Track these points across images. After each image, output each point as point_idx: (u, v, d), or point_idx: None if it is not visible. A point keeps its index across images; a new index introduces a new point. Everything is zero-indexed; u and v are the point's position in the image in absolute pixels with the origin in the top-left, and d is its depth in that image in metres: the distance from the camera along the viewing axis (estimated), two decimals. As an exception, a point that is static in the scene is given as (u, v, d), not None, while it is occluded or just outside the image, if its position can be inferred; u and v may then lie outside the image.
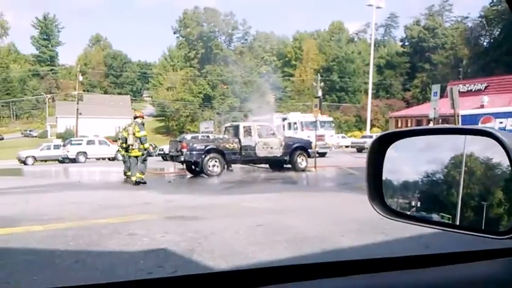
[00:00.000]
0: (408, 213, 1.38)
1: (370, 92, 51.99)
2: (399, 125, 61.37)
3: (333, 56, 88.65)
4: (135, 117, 14.61)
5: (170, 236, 6.12)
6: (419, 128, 1.65)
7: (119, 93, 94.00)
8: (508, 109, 29.11)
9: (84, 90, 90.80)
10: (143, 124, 14.37)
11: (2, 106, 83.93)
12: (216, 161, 16.33)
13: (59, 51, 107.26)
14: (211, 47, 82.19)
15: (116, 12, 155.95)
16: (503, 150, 1.11)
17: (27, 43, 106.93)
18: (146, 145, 14.17)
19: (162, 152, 29.68)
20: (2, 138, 72.83)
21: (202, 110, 72.86)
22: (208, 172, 16.05)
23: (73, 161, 34.78)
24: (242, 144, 16.90)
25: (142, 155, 13.93)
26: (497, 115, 30.93)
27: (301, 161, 17.82)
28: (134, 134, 14.17)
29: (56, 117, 75.74)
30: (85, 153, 35.62)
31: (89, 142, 37.14)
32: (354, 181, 13.68)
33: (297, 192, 10.66)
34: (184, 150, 16.08)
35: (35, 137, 72.57)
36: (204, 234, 6.15)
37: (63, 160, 35.50)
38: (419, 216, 1.36)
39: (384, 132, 1.47)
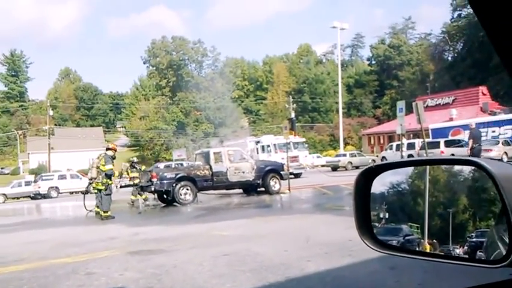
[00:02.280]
0: (399, 245, 1.40)
1: (340, 111, 52.55)
2: (372, 141, 62.23)
3: (303, 78, 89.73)
4: (107, 149, 14.20)
5: (130, 273, 5.85)
6: (403, 161, 1.66)
7: (92, 125, 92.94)
8: (476, 120, 29.65)
9: (55, 125, 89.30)
10: (113, 158, 13.94)
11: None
12: (187, 189, 16.03)
13: (29, 86, 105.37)
14: (181, 74, 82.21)
15: (84, 45, 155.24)
16: (490, 180, 1.11)
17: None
18: (110, 180, 13.65)
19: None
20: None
21: (177, 138, 72.36)
22: (180, 200, 15.73)
23: (45, 196, 33.92)
24: (213, 170, 16.68)
25: (105, 189, 13.47)
26: (466, 127, 31.53)
27: (274, 183, 17.66)
28: (98, 167, 13.87)
29: (28, 153, 74.16)
30: (57, 188, 34.83)
31: (61, 177, 36.33)
32: (326, 201, 13.60)
33: (268, 217, 10.45)
34: (154, 179, 15.79)
35: (7, 174, 70.72)
36: (166, 268, 5.91)
37: (35, 196, 34.57)
38: (410, 248, 1.37)
39: (368, 166, 1.48)
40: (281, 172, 18.10)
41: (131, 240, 8.59)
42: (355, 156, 38.73)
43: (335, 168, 36.89)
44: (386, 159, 35.05)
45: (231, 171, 16.86)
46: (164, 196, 16.60)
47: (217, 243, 7.48)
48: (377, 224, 1.46)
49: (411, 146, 33.00)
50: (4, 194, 35.39)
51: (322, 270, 5.24)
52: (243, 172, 17.08)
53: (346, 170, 35.41)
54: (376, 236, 1.44)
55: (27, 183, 36.80)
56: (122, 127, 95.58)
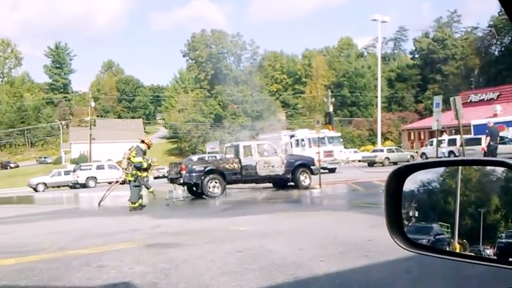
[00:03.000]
0: (430, 245, 1.41)
1: (379, 105, 51.42)
2: (412, 137, 60.70)
3: (343, 72, 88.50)
4: (141, 142, 14.32)
5: (141, 267, 5.77)
6: (433, 161, 1.64)
7: (133, 117, 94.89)
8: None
9: (98, 116, 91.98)
10: (145, 152, 13.98)
11: (17, 134, 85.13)
12: (216, 182, 16.00)
13: (72, 78, 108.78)
14: (220, 67, 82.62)
15: (127, 38, 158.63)
16: None
17: (40, 72, 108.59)
18: (144, 174, 13.76)
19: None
20: (17, 166, 73.66)
21: (214, 130, 72.88)
22: (209, 193, 15.72)
23: (83, 186, 34.79)
24: (242, 164, 16.58)
25: (135, 180, 13.55)
26: (510, 124, 30.23)
27: (304, 178, 17.40)
28: (129, 158, 14.00)
29: (70, 143, 76.49)
30: (95, 178, 35.63)
31: (99, 167, 37.18)
32: (354, 198, 13.26)
33: (291, 213, 10.23)
34: (183, 172, 15.82)
35: (50, 163, 73.16)
36: (177, 263, 5.80)
37: (73, 186, 35.54)
38: (441, 248, 1.38)
39: (399, 166, 1.49)
40: (312, 167, 17.78)
41: (151, 232, 8.56)
42: (393, 151, 37.86)
43: (371, 164, 36.19)
44: (426, 156, 34.10)
45: (260, 165, 16.72)
46: (194, 189, 16.66)
47: (234, 239, 7.34)
48: (406, 223, 1.48)
49: (452, 142, 31.95)
50: (44, 183, 36.56)
51: (332, 272, 5.00)
52: (273, 166, 16.90)
53: (383, 165, 34.66)
54: (407, 235, 1.45)
55: (67, 173, 37.88)
56: (162, 119, 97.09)
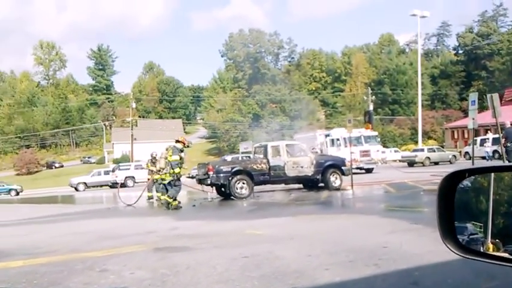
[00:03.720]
0: (485, 251, 1.38)
1: (420, 102, 49.89)
2: (456, 135, 58.65)
3: (384, 69, 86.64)
4: (176, 141, 14.41)
5: (141, 272, 5.63)
6: (488, 166, 1.58)
7: (173, 118, 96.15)
8: None
9: (140, 116, 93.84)
10: (181, 150, 14.13)
11: (62, 135, 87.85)
12: (243, 183, 15.82)
13: (115, 79, 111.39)
14: (258, 67, 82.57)
15: (168, 39, 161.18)
16: None
17: (85, 74, 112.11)
18: (177, 170, 13.75)
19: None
20: (62, 166, 75.99)
21: (252, 130, 72.88)
22: (236, 194, 15.55)
23: (122, 185, 35.37)
24: (271, 164, 16.33)
25: (173, 179, 13.69)
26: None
27: (334, 179, 16.98)
28: (166, 157, 14.27)
29: (113, 144, 78.27)
30: (133, 177, 36.18)
31: (137, 167, 37.73)
32: (384, 200, 12.79)
33: (313, 216, 9.89)
34: (210, 173, 15.71)
35: (94, 163, 75.10)
36: (178, 269, 5.62)
37: (113, 185, 36.22)
38: (494, 254, 1.35)
39: (453, 171, 1.49)
40: (342, 168, 17.32)
41: (166, 235, 8.44)
42: (433, 151, 36.58)
43: (411, 164, 35.12)
44: (470, 155, 32.74)
45: (288, 166, 16.42)
46: (222, 189, 16.54)
47: (245, 243, 7.11)
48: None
49: (497, 141, 30.55)
50: (84, 183, 37.46)
51: (334, 282, 4.69)
52: (301, 167, 16.57)
53: (423, 165, 33.57)
54: (459, 240, 1.44)
55: (106, 173, 38.67)
56: (201, 119, 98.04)
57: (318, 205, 12.44)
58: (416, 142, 66.10)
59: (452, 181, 1.47)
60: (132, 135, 62.36)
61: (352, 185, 17.27)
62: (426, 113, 75.85)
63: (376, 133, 32.52)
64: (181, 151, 14.14)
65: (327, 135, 32.10)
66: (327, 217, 9.46)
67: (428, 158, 34.57)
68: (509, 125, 14.41)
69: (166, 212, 12.74)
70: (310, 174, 16.69)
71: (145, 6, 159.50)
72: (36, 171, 73.24)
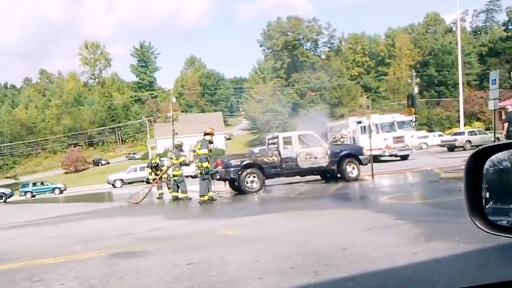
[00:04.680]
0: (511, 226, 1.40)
1: (461, 83, 47.40)
2: (503, 116, 55.39)
3: (429, 49, 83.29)
4: (205, 134, 14.02)
5: (72, 282, 5.29)
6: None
7: (215, 110, 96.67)
8: None
9: (182, 111, 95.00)
10: (211, 142, 13.85)
11: (109, 132, 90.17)
12: (254, 177, 15.31)
13: (159, 75, 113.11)
14: (296, 55, 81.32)
15: (210, 33, 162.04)
16: None
17: (128, 71, 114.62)
18: (205, 164, 13.39)
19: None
20: (108, 163, 77.99)
21: (292, 119, 71.95)
22: (246, 189, 15.07)
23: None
24: (282, 156, 15.72)
25: (201, 173, 13.37)
26: None
27: (351, 169, 16.15)
28: (194, 151, 13.94)
29: (156, 139, 79.51)
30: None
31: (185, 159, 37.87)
32: (391, 191, 11.96)
33: (303, 212, 9.26)
34: (219, 167, 15.30)
35: (138, 159, 76.60)
36: (109, 280, 5.24)
37: (148, 181, 36.57)
38: None
39: (480, 148, 1.50)
40: (360, 157, 16.45)
41: (138, 237, 8.11)
42: (475, 134, 34.61)
43: (451, 149, 33.45)
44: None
45: (301, 157, 15.76)
46: (235, 184, 16.08)
47: (204, 247, 6.65)
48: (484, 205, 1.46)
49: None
50: (121, 179, 38.06)
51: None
52: (315, 158, 15.86)
53: (464, 150, 31.81)
54: (488, 217, 1.44)
55: (142, 169, 39.03)
56: (243, 111, 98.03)
57: (318, 199, 11.76)
58: (465, 124, 63.43)
59: (479, 159, 1.47)
60: (173, 130, 63.01)
61: (372, 175, 16.42)
62: (475, 93, 72.42)
63: (410, 118, 31.01)
64: (211, 142, 13.85)
65: (358, 122, 30.94)
66: (316, 213, 8.83)
67: (469, 141, 32.76)
68: (510, 110, 13.26)
69: (163, 211, 12.48)
70: (325, 165, 15.96)
71: (191, 1, 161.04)
72: (84, 169, 75.56)
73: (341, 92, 75.54)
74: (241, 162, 15.37)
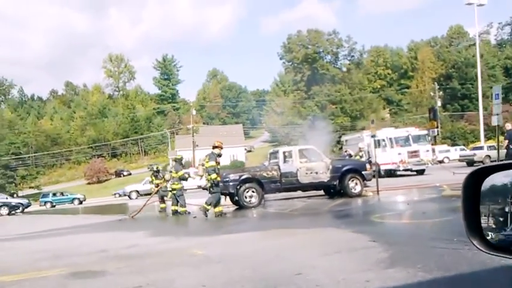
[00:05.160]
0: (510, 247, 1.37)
1: (480, 96, 46.15)
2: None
3: (453, 62, 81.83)
4: (214, 147, 14.02)
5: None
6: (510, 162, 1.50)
7: (236, 123, 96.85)
8: None
9: (204, 123, 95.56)
10: (219, 155, 13.81)
11: (132, 144, 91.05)
12: (252, 191, 15.01)
13: (181, 88, 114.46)
14: (316, 67, 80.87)
15: (233, 45, 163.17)
16: None
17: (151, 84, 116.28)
18: (213, 176, 13.30)
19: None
20: (130, 174, 78.63)
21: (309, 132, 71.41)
22: (245, 204, 14.77)
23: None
24: (282, 171, 15.38)
25: (211, 186, 13.35)
26: None
27: (354, 185, 15.66)
28: (203, 164, 14.24)
29: (176, 151, 79.97)
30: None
31: (186, 173, 37.84)
32: (385, 209, 11.52)
33: (284, 230, 8.88)
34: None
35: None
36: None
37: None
38: None
39: (477, 168, 1.53)
40: (363, 172, 15.95)
41: (110, 255, 7.90)
42: (494, 149, 33.50)
43: (470, 163, 32.44)
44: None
45: (301, 172, 15.38)
46: (235, 198, 15.80)
47: (165, 267, 6.40)
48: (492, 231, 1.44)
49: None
50: (137, 191, 38.14)
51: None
52: (316, 173, 15.45)
53: (483, 164, 30.80)
54: (486, 238, 1.44)
55: (157, 181, 39.14)
56: (263, 123, 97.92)
57: (308, 217, 11.38)
58: (489, 138, 61.80)
59: (477, 178, 1.47)
60: (193, 141, 63.27)
61: (378, 191, 15.93)
62: (502, 107, 70.73)
63: (425, 132, 30.27)
64: (219, 156, 13.81)
65: (372, 136, 30.31)
66: (295, 232, 8.48)
67: (488, 156, 31.71)
68: (510, 127, 12.68)
69: (152, 226, 12.30)
70: (326, 181, 15.54)
71: (215, 14, 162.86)
72: (106, 180, 76.34)
73: (362, 105, 74.58)
74: (240, 176, 15.10)
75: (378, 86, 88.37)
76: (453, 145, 59.62)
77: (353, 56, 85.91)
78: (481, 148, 34.20)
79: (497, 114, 12.79)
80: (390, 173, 27.89)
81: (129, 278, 5.94)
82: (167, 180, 17.13)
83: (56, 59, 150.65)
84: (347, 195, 15.43)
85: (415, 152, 28.10)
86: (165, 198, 18.00)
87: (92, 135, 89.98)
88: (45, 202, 45.62)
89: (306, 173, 15.41)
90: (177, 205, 15.79)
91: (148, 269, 6.40)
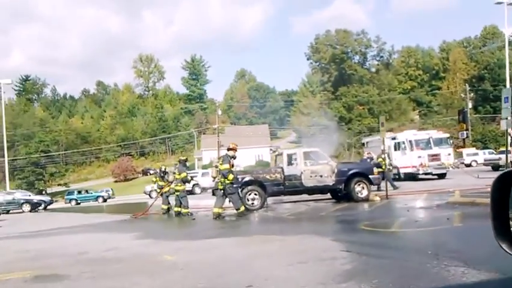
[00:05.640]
0: None
1: (503, 98, 44.50)
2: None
3: (485, 63, 79.46)
4: (228, 149, 13.98)
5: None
6: None
7: (264, 123, 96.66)
8: None
9: (231, 123, 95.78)
10: (233, 157, 13.73)
11: (160, 143, 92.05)
12: (255, 194, 14.80)
13: (209, 87, 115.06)
14: (344, 68, 79.80)
15: (263, 45, 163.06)
16: None
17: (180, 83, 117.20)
18: (230, 177, 13.23)
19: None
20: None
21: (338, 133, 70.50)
22: (247, 206, 14.56)
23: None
24: (285, 173, 15.11)
25: (223, 188, 13.23)
26: None
27: (360, 189, 15.25)
28: (217, 166, 14.16)
29: (202, 150, 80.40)
30: (199, 185, 36.46)
31: (204, 174, 38.00)
32: (381, 216, 11.13)
33: (267, 237, 8.60)
34: (221, 183, 14.89)
35: (184, 169, 77.33)
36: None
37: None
38: None
39: (504, 171, 1.51)
40: (370, 176, 15.50)
41: (84, 258, 7.82)
42: (522, 153, 32.24)
43: (495, 168, 31.33)
44: None
45: (306, 175, 15.08)
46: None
47: (131, 273, 6.26)
48: None
49: None
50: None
51: None
52: (321, 176, 15.12)
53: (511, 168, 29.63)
54: None
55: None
56: (290, 123, 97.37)
57: (300, 222, 11.08)
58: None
59: (505, 182, 1.45)
60: (219, 141, 63.38)
61: (387, 195, 15.48)
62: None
63: (447, 135, 29.38)
64: (233, 158, 13.71)
65: (393, 138, 29.61)
66: (274, 239, 8.19)
67: (515, 160, 30.46)
68: None
69: (145, 228, 12.25)
70: (331, 184, 15.19)
71: (245, 14, 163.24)
72: (133, 178, 77.37)
73: (390, 106, 73.26)
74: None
75: (409, 87, 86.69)
76: (483, 148, 57.95)
77: (382, 57, 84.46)
78: (508, 152, 32.90)
79: (507, 118, 12.19)
80: (412, 177, 27.16)
81: (84, 284, 5.84)
82: (171, 182, 17.10)
83: (89, 59, 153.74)
84: (353, 200, 15.03)
85: (436, 155, 27.30)
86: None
87: (121, 134, 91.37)
88: (70, 200, 46.43)
89: (311, 176, 15.11)
90: (180, 206, 15.72)
91: (108, 275, 6.28)
